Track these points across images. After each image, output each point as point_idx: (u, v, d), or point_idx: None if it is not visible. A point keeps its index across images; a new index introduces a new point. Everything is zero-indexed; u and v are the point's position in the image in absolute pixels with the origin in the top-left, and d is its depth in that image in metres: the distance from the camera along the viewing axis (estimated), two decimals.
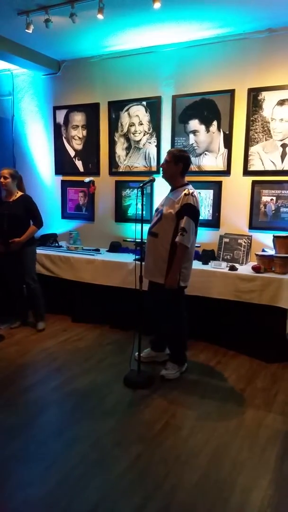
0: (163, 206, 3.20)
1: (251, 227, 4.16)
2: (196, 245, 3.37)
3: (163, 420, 2.70)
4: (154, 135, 4.53)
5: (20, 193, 4.16)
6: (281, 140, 3.92)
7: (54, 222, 5.27)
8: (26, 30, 3.71)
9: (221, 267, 3.83)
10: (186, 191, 3.06)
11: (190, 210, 3.03)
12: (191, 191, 3.08)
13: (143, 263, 3.24)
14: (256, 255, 3.80)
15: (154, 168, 4.55)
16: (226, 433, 2.59)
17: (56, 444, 2.45)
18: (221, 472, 2.24)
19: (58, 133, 5.14)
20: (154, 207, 4.04)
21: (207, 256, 4.05)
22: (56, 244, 4.99)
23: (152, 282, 3.26)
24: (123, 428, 2.62)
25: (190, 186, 3.16)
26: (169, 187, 3.29)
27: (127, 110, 4.64)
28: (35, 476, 2.19)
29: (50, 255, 4.57)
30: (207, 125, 4.23)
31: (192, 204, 3.03)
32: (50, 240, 5.01)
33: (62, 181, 5.23)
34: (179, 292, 3.20)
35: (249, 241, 4.06)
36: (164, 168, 3.22)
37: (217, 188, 4.27)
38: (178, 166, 3.16)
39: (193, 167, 4.33)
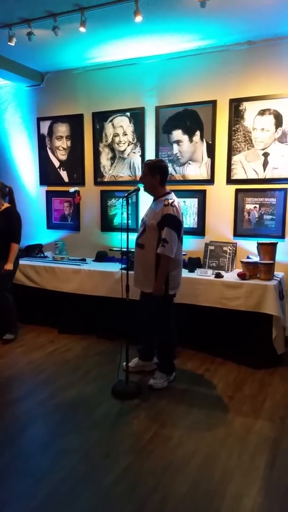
0: (147, 216, 3.23)
1: (236, 234, 4.21)
2: (182, 253, 3.39)
3: (152, 430, 2.69)
4: (139, 145, 4.56)
5: (6, 206, 4.13)
6: (262, 149, 3.99)
7: (40, 233, 5.25)
8: (9, 43, 3.73)
9: (207, 274, 3.86)
10: (166, 202, 3.08)
11: (170, 220, 3.05)
12: (170, 201, 3.09)
13: (130, 272, 3.25)
14: (241, 262, 3.85)
15: (139, 178, 4.57)
16: (215, 441, 2.59)
17: (44, 458, 2.42)
18: (211, 481, 2.24)
19: (42, 144, 5.14)
20: (140, 216, 4.06)
21: (193, 264, 4.08)
22: (42, 255, 4.96)
23: (143, 292, 3.28)
24: (112, 440, 2.60)
25: (171, 196, 3.19)
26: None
27: (111, 120, 4.67)
28: (23, 491, 2.16)
29: (35, 266, 4.54)
30: (190, 135, 4.29)
31: (172, 214, 3.05)
32: (36, 250, 4.98)
33: (47, 192, 5.22)
34: (168, 300, 3.22)
35: (234, 249, 4.10)
36: (142, 181, 3.25)
37: (202, 196, 4.31)
38: (155, 177, 3.18)
39: (177, 176, 4.39)
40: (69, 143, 4.99)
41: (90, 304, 4.31)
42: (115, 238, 4.79)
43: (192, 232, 4.35)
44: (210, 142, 4.21)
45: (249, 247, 4.11)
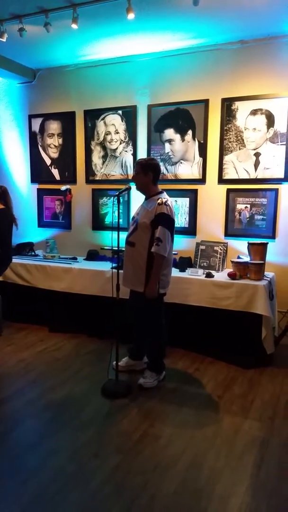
0: (138, 215, 3.22)
1: (227, 234, 4.22)
2: (173, 252, 3.39)
3: (141, 430, 2.68)
4: (130, 144, 4.55)
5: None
6: (254, 149, 4.00)
7: (31, 231, 5.22)
8: (0, 39, 3.69)
9: (198, 274, 3.86)
10: (159, 201, 3.08)
11: (164, 219, 3.04)
12: (164, 200, 3.09)
13: (120, 271, 3.24)
14: (232, 262, 3.85)
15: (130, 176, 4.56)
16: (203, 440, 2.59)
17: (32, 458, 2.40)
18: (199, 480, 2.24)
19: (34, 142, 5.11)
20: (131, 215, 4.04)
21: (184, 263, 4.08)
22: (33, 253, 4.93)
23: (133, 290, 3.27)
24: (100, 439, 2.59)
25: (164, 195, 3.18)
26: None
27: (103, 118, 4.65)
28: (10, 491, 2.14)
29: (26, 264, 4.51)
30: (182, 134, 4.29)
31: (166, 213, 3.05)
32: (26, 249, 4.95)
33: (38, 190, 5.19)
34: (158, 299, 3.21)
35: (225, 248, 4.11)
36: (135, 180, 3.24)
37: (193, 196, 4.31)
38: (148, 175, 3.17)
39: (169, 175, 4.38)
40: (60, 140, 4.96)
41: (81, 303, 4.30)
42: (107, 237, 4.77)
43: (183, 231, 4.35)
44: (202, 142, 4.21)
45: (240, 247, 4.12)
